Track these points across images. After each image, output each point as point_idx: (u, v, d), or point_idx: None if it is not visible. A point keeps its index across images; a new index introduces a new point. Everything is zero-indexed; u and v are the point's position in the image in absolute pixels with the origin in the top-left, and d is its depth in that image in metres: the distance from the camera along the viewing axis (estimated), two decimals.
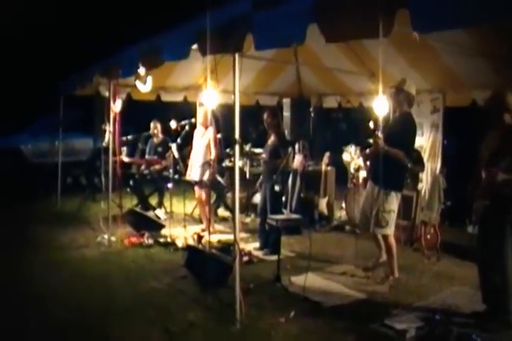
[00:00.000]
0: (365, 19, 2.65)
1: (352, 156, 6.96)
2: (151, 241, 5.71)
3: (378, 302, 4.05)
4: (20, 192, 8.87)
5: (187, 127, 6.24)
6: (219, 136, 6.31)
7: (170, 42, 4.16)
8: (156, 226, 6.15)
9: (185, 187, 6.44)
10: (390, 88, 4.49)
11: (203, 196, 6.32)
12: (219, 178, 6.91)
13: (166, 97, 7.60)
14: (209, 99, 5.68)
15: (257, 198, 6.32)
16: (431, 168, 6.36)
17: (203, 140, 6.30)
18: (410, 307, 3.88)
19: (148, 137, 7.74)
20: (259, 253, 5.37)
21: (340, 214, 7.10)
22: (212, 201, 6.84)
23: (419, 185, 5.99)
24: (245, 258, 5.04)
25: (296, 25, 2.93)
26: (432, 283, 4.53)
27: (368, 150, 4.87)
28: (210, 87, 5.45)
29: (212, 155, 6.16)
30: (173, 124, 6.29)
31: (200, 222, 6.74)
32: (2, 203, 7.88)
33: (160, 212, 7.27)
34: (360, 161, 6.66)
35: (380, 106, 5.17)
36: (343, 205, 6.91)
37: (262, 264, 5.04)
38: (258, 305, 3.81)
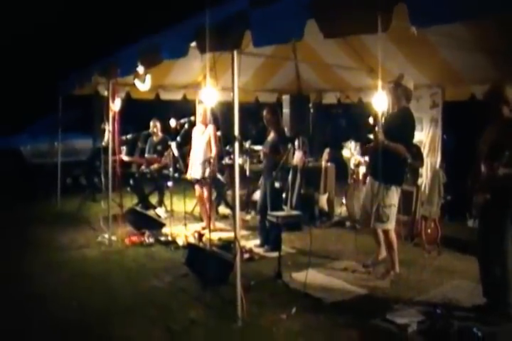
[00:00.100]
0: (363, 14, 2.64)
1: (352, 152, 6.95)
2: (151, 240, 5.72)
3: (379, 297, 4.05)
4: (20, 193, 8.87)
5: (186, 125, 6.24)
6: (218, 133, 6.31)
7: (168, 40, 4.16)
8: (156, 224, 6.15)
9: (185, 186, 6.45)
10: (388, 83, 4.49)
11: (204, 194, 6.32)
12: (219, 176, 6.91)
13: (165, 96, 7.59)
14: (208, 97, 5.67)
15: (257, 195, 6.32)
16: (431, 162, 6.36)
17: (203, 137, 6.29)
18: (411, 302, 3.89)
19: (147, 136, 7.74)
20: (260, 250, 5.37)
21: (341, 210, 7.10)
22: (212, 199, 6.84)
23: (419, 180, 6.00)
24: (246, 256, 5.04)
25: (294, 21, 2.93)
26: (433, 277, 4.54)
27: (368, 145, 4.86)
28: (209, 84, 5.44)
29: (213, 152, 6.16)
30: (172, 123, 6.28)
31: (201, 220, 6.75)
32: (2, 204, 7.89)
33: (160, 211, 7.27)
34: (359, 157, 6.66)
35: (380, 101, 5.16)
36: (344, 201, 6.90)
37: (262, 261, 5.04)
38: (259, 302, 3.81)
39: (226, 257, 4.25)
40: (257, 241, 5.63)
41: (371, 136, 4.54)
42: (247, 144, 7.13)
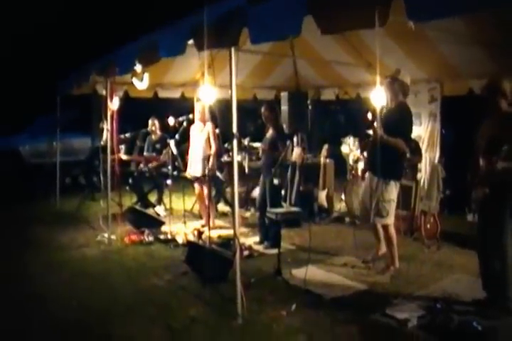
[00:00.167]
0: (360, 9, 2.64)
1: (350, 148, 6.96)
2: (151, 239, 5.71)
3: (379, 292, 4.06)
4: (19, 193, 8.86)
5: (185, 123, 6.22)
6: (217, 131, 6.30)
7: (166, 38, 4.15)
8: (156, 223, 6.14)
9: (184, 184, 6.44)
10: (385, 78, 4.48)
11: (204, 192, 6.31)
12: (218, 173, 6.90)
13: (163, 94, 7.59)
14: (206, 95, 5.66)
15: (257, 192, 6.32)
16: (429, 157, 6.36)
17: (202, 135, 6.27)
18: (411, 297, 3.90)
19: (146, 134, 7.72)
20: (260, 247, 5.38)
21: (340, 206, 7.10)
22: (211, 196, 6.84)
23: (418, 175, 5.99)
24: (246, 253, 5.04)
25: (291, 18, 2.92)
26: (433, 271, 4.54)
27: (367, 140, 4.85)
28: (207, 82, 5.43)
29: (212, 150, 6.15)
30: (171, 121, 6.27)
31: (200, 217, 6.74)
32: (1, 204, 7.88)
33: (159, 209, 7.27)
34: (358, 153, 6.66)
35: (378, 96, 5.15)
36: (343, 197, 6.90)
37: (262, 258, 5.04)
38: (259, 299, 3.82)
39: (226, 254, 4.26)
40: (257, 238, 5.63)
41: (370, 132, 4.53)
42: (245, 141, 7.14)
